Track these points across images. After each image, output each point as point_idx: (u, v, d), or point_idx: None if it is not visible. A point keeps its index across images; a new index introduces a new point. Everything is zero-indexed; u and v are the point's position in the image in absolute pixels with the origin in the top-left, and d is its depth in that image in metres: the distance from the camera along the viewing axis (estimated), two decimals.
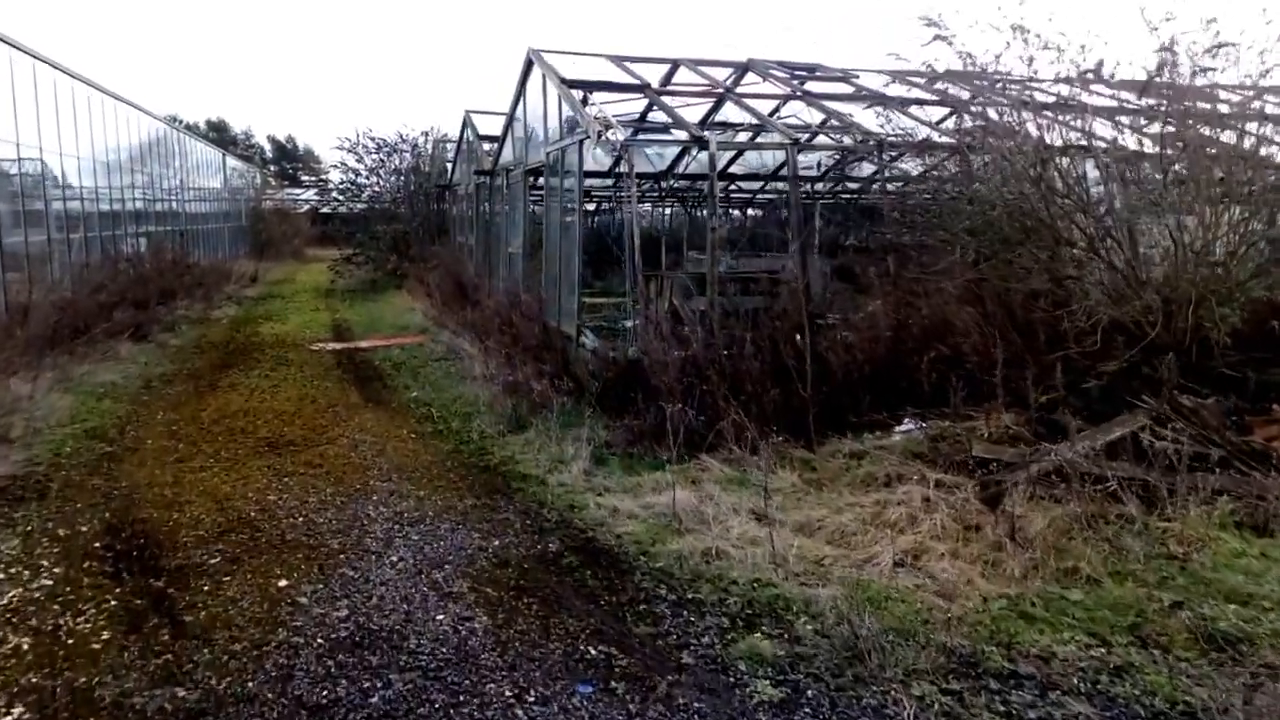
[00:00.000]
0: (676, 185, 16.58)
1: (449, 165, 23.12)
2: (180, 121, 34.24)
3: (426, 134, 23.50)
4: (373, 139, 23.08)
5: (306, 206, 39.77)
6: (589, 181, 14.86)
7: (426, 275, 16.73)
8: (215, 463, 6.82)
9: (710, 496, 5.66)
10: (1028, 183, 7.06)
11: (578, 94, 9.51)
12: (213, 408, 8.75)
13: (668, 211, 25.81)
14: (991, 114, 8.32)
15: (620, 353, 7.61)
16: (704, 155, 14.62)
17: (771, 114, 10.93)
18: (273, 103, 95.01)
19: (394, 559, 4.91)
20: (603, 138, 8.34)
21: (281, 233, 35.11)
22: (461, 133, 18.54)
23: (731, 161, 14.92)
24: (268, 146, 63.90)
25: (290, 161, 62.30)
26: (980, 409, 6.65)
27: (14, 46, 11.22)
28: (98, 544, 5.12)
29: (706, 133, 8.54)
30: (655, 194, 18.39)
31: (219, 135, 51.78)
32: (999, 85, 10.49)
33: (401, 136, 23.15)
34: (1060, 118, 8.07)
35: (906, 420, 6.59)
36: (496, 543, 5.18)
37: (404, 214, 22.73)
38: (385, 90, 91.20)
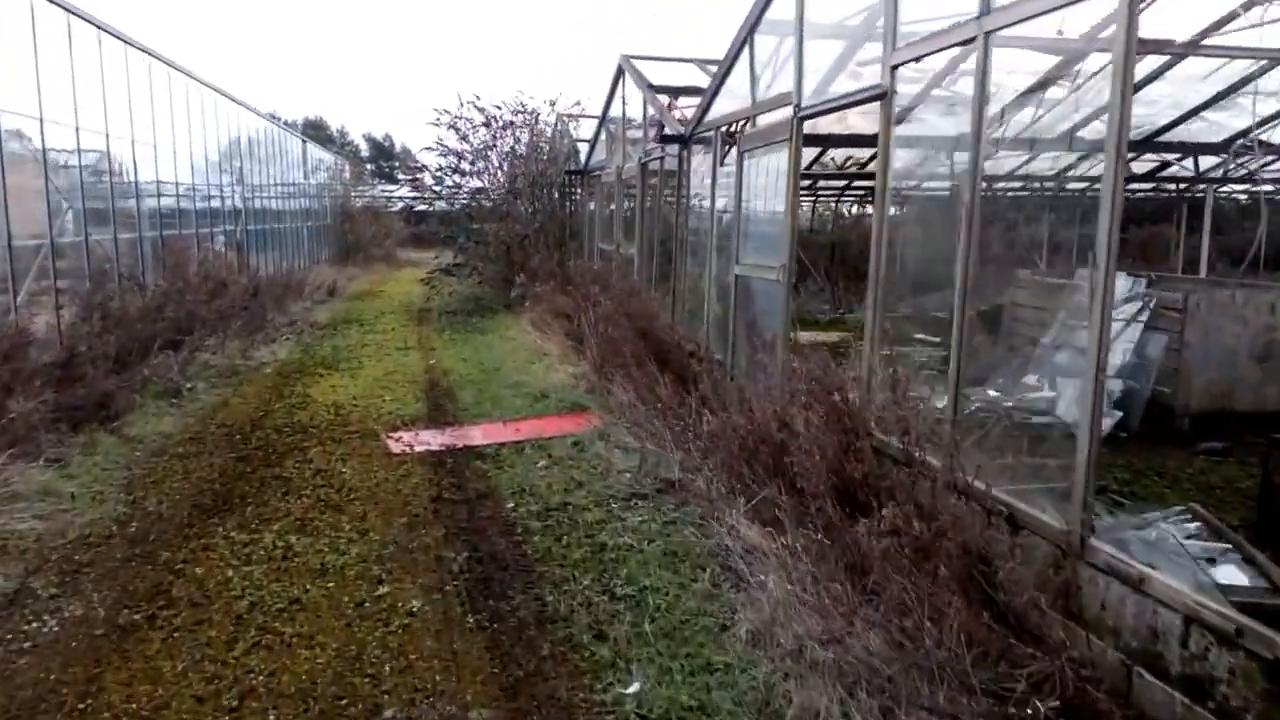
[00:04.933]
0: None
1: (580, 146, 17.40)
2: (279, 119, 29.97)
3: (552, 104, 17.79)
4: (479, 109, 17.42)
5: (401, 204, 35.02)
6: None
7: (568, 304, 10.97)
8: None
9: None
10: None
11: None
12: None
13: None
14: None
15: None
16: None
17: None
18: (370, 102, 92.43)
19: None
20: None
21: (372, 234, 30.38)
22: (612, 90, 12.69)
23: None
24: (364, 145, 60.59)
25: (387, 160, 58.62)
26: None
27: None
28: None
29: None
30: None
31: (316, 133, 48.04)
32: None
33: (521, 105, 17.43)
34: None
35: None
36: None
37: (520, 211, 17.09)
38: (492, 81, 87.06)
